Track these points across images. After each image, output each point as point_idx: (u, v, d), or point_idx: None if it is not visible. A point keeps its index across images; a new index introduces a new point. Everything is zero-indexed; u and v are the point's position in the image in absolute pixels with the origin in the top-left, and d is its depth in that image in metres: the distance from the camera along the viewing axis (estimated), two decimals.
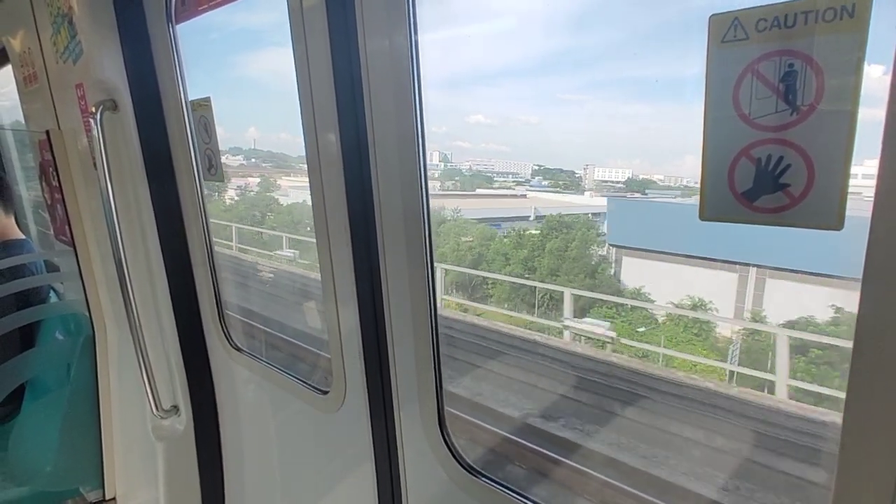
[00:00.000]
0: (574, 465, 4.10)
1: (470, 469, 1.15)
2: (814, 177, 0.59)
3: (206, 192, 1.72)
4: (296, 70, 1.19)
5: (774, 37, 0.58)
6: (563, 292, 8.90)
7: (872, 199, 0.55)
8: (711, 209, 0.67)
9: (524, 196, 13.66)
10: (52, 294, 2.50)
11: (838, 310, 6.44)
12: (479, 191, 14.14)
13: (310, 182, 1.26)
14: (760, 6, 0.59)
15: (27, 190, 3.20)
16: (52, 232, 2.50)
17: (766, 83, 0.60)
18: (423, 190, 1.08)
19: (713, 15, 0.61)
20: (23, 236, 2.50)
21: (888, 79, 0.52)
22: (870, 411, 0.59)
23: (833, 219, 0.59)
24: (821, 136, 0.58)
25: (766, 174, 0.62)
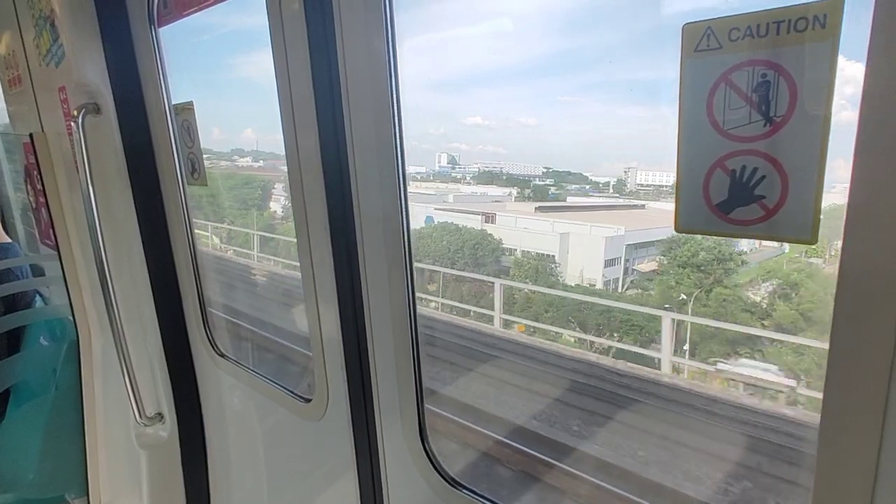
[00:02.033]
0: None
1: (450, 480, 1.13)
2: (788, 188, 0.58)
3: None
4: (275, 74, 1.18)
5: (747, 46, 0.57)
6: None
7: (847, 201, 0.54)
8: (686, 221, 0.65)
9: (643, 207, 10.93)
10: (38, 298, 2.48)
11: None
12: (570, 200, 11.35)
13: (290, 187, 1.24)
14: (733, 15, 0.57)
15: (15, 192, 3.17)
16: (37, 235, 2.48)
17: (740, 93, 0.59)
18: (402, 193, 1.07)
19: (686, 24, 0.60)
20: (9, 240, 2.48)
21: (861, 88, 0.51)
22: (847, 409, 0.59)
23: (807, 231, 0.58)
24: (794, 147, 0.57)
25: (741, 186, 0.61)
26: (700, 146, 0.63)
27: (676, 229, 0.66)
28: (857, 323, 0.56)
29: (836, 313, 0.57)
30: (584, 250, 8.96)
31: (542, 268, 9.23)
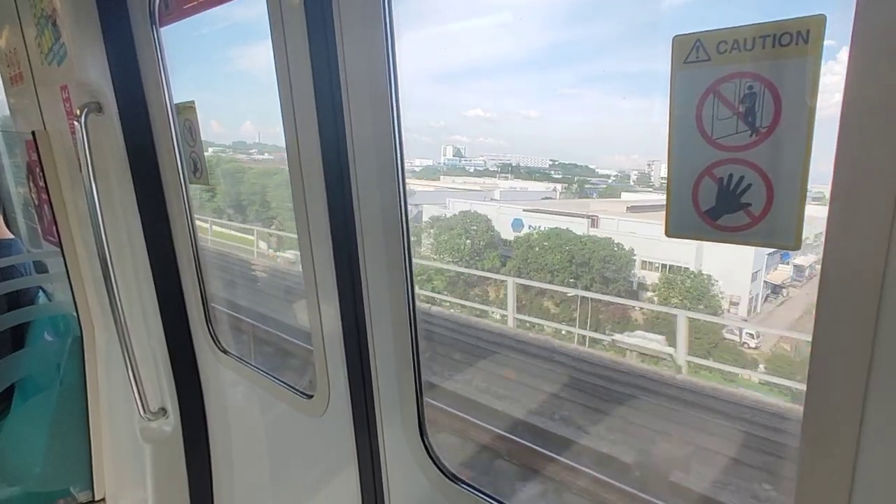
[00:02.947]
0: None
1: (449, 475, 1.16)
2: (772, 197, 0.60)
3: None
4: (275, 68, 1.19)
5: (734, 59, 0.59)
6: None
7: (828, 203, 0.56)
8: (676, 226, 0.68)
9: None
10: (41, 294, 2.50)
11: None
12: (624, 197, 9.79)
13: (290, 181, 1.26)
14: (722, 28, 0.59)
15: (16, 188, 3.19)
16: (40, 232, 2.50)
17: (727, 104, 0.61)
18: (401, 187, 1.08)
19: (677, 36, 0.62)
20: (11, 236, 2.50)
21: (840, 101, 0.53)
22: (828, 406, 0.61)
23: (791, 238, 0.60)
24: (779, 156, 0.59)
25: (728, 193, 0.63)
26: (689, 155, 0.65)
27: (667, 234, 0.68)
28: (838, 322, 0.58)
29: (818, 312, 0.59)
30: (723, 260, 7.06)
31: (701, 287, 7.15)
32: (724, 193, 0.63)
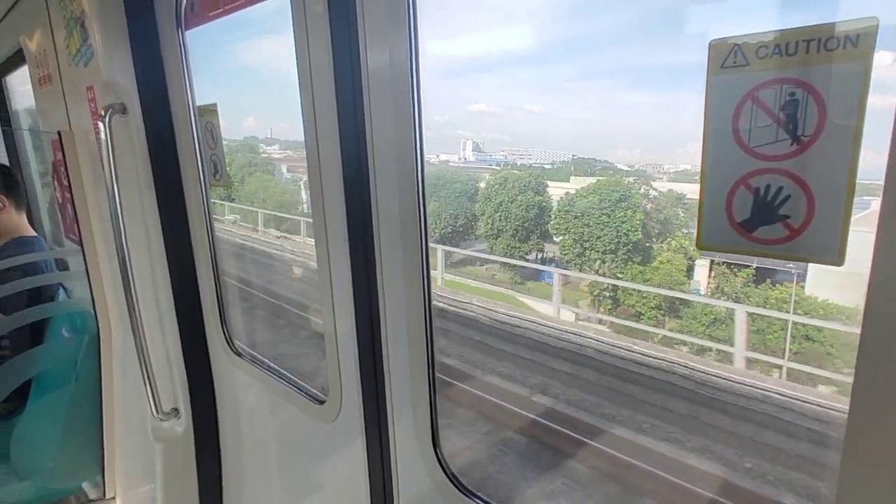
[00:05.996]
0: None
1: (461, 487, 1.13)
2: (814, 209, 0.57)
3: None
4: (298, 74, 1.19)
5: (775, 64, 0.56)
6: None
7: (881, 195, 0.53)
8: (708, 238, 0.65)
9: None
10: (61, 291, 2.53)
11: None
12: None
13: (309, 184, 1.26)
14: (761, 32, 0.57)
15: (42, 188, 3.26)
16: (62, 229, 2.54)
17: (767, 111, 0.58)
18: (420, 192, 1.07)
19: (713, 41, 0.60)
20: (34, 234, 2.54)
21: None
22: (875, 402, 0.57)
23: (834, 253, 0.57)
24: (822, 167, 0.56)
25: (765, 205, 0.60)
26: (724, 163, 0.62)
27: (698, 246, 0.65)
28: (890, 322, 0.54)
29: (867, 311, 0.55)
30: None
31: None
32: (761, 204, 0.60)
